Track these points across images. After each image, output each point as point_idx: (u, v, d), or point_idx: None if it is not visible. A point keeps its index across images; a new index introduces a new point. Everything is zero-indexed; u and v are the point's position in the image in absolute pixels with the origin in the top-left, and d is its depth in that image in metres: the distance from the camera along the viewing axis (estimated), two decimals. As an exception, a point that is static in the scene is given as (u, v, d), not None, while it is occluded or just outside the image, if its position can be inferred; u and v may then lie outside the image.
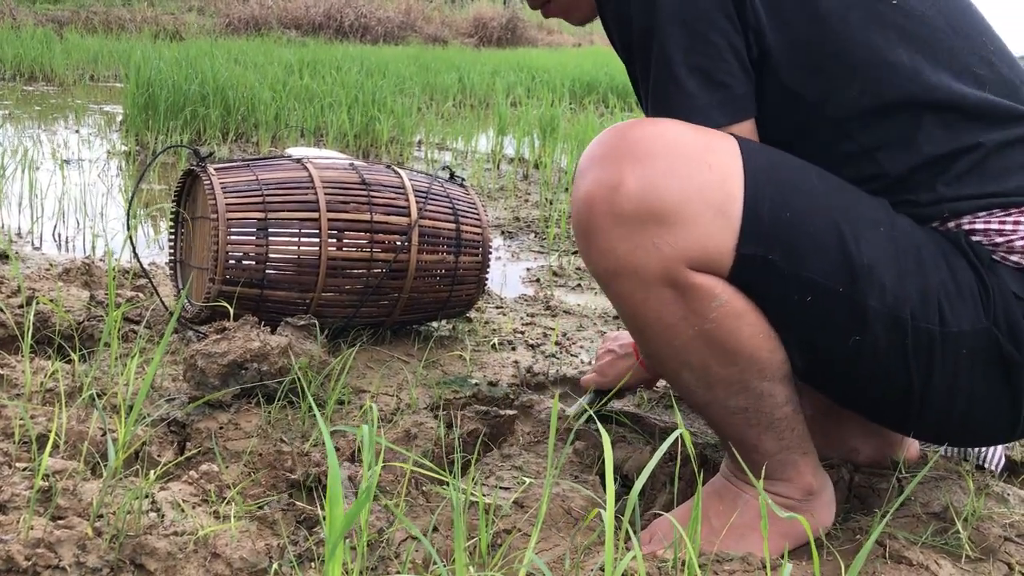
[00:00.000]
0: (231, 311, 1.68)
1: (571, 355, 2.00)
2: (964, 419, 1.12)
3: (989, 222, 1.08)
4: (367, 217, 1.83)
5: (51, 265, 2.32)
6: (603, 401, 1.56)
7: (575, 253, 3.10)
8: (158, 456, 1.28)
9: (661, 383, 1.69)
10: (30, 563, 0.91)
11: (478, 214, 1.99)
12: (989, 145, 1.09)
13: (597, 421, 0.93)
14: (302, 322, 1.62)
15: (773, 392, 1.09)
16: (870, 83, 1.08)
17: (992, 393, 1.09)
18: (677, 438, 1.11)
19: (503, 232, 3.32)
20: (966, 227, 1.08)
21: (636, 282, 1.04)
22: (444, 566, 0.82)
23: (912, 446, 1.42)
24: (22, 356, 1.52)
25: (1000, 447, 1.53)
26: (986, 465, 1.51)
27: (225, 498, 1.12)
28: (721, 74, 1.06)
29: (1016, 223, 1.07)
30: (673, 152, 1.02)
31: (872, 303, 1.03)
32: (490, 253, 1.99)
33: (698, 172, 1.01)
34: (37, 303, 1.73)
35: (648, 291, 1.04)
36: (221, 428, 1.36)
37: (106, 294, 1.96)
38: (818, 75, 1.09)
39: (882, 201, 1.09)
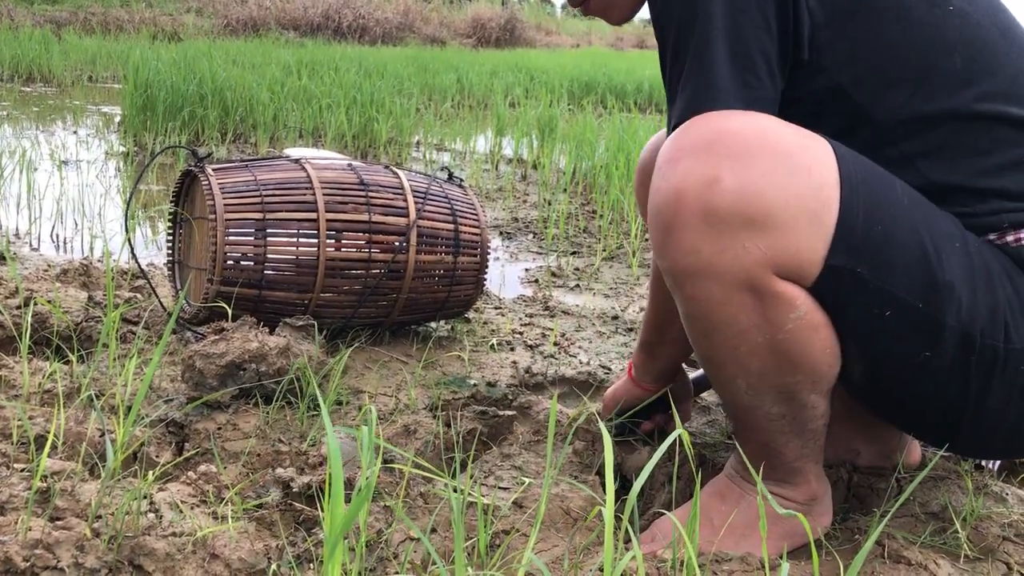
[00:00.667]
0: (229, 312, 1.67)
1: (570, 355, 2.00)
2: (1011, 435, 1.12)
3: None
4: (365, 218, 1.83)
5: (49, 266, 2.32)
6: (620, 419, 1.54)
7: (573, 254, 3.10)
8: (156, 457, 1.28)
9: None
10: (28, 564, 0.91)
11: (476, 215, 1.99)
12: None
13: (600, 421, 0.92)
14: (300, 323, 1.62)
15: (817, 404, 1.09)
16: (921, 88, 1.06)
17: None
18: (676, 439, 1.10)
19: (501, 233, 3.32)
20: None
21: (717, 285, 1.00)
22: (444, 566, 0.82)
23: (914, 451, 1.42)
24: (20, 357, 1.52)
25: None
26: (985, 465, 1.51)
27: (223, 499, 1.12)
28: (750, 76, 1.04)
29: None
30: (773, 151, 0.98)
31: (949, 320, 1.02)
32: (488, 254, 1.99)
33: (797, 176, 0.98)
34: (35, 304, 1.73)
35: (728, 294, 1.00)
36: (219, 429, 1.36)
37: (104, 295, 1.96)
38: (870, 76, 1.07)
39: (953, 217, 1.07)
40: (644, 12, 1.30)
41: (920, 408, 1.12)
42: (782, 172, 0.97)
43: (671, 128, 1.09)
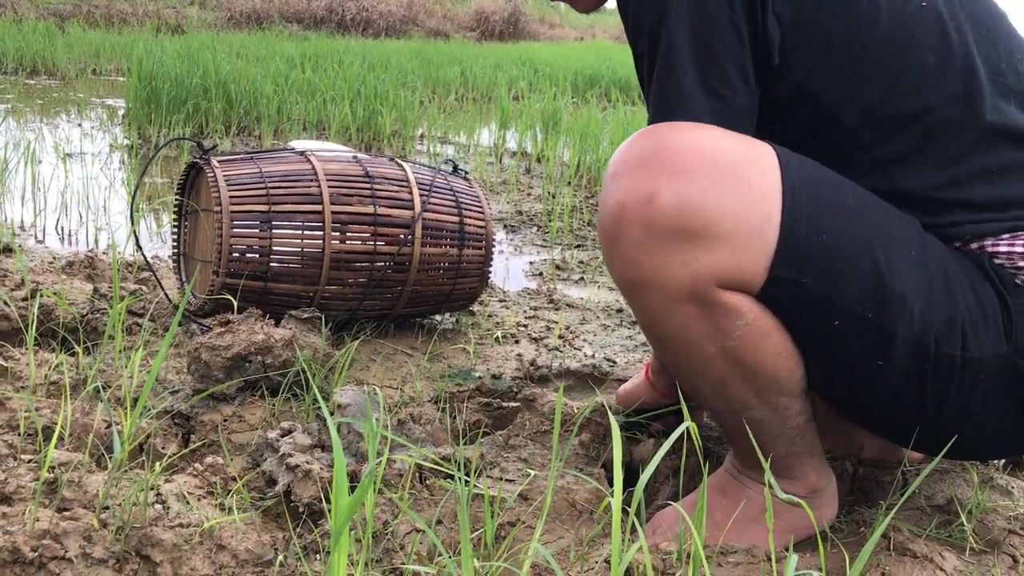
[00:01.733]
0: (235, 304, 1.68)
1: (574, 348, 2.00)
2: (974, 438, 1.11)
3: (1013, 245, 1.06)
4: (371, 210, 1.83)
5: (54, 258, 2.32)
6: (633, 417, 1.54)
7: (578, 247, 3.10)
8: (163, 448, 1.28)
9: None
10: (36, 554, 0.92)
11: (481, 207, 1.99)
12: (1013, 165, 1.06)
13: (609, 414, 0.92)
14: (306, 315, 1.62)
15: (789, 406, 1.08)
16: (894, 90, 1.05)
17: (1005, 415, 1.08)
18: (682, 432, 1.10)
19: (506, 226, 3.32)
20: (989, 249, 1.06)
21: (660, 296, 1.01)
22: (450, 558, 0.82)
23: None
24: (26, 349, 1.52)
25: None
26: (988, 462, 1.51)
27: (230, 490, 1.12)
28: (720, 84, 1.03)
29: None
30: (712, 166, 0.98)
31: (900, 331, 1.01)
32: (493, 246, 1.99)
33: (737, 190, 0.97)
34: (41, 296, 1.74)
35: (672, 306, 1.01)
36: (225, 420, 1.36)
37: (109, 287, 1.96)
38: (839, 78, 1.05)
39: (913, 220, 1.06)
40: (611, 3, 1.31)
41: (882, 414, 1.12)
42: (722, 186, 0.97)
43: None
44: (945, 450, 1.10)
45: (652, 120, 1.06)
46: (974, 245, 1.07)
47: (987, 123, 1.06)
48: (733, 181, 0.98)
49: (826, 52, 1.05)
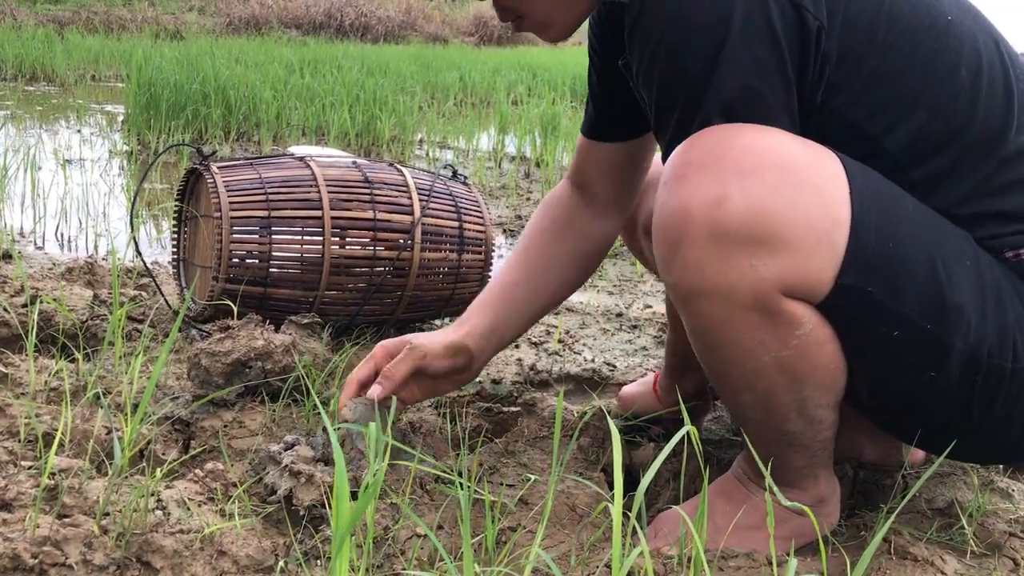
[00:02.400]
0: (235, 310, 1.68)
1: (574, 352, 2.00)
2: (1014, 445, 1.11)
3: None
4: (370, 215, 1.83)
5: (54, 264, 2.32)
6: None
7: (577, 251, 3.09)
8: (163, 455, 1.28)
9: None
10: (36, 561, 0.91)
11: (481, 212, 1.99)
12: None
13: (609, 419, 0.92)
14: (306, 320, 1.62)
15: (824, 418, 1.08)
16: (933, 111, 1.04)
17: None
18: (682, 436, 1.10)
19: (505, 230, 3.32)
20: None
21: (722, 303, 0.98)
22: (452, 563, 0.82)
23: (917, 451, 1.42)
24: (26, 355, 1.52)
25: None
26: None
27: (231, 496, 1.12)
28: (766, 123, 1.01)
29: None
30: (782, 168, 0.96)
31: (957, 342, 1.00)
32: (493, 251, 1.99)
33: (806, 194, 0.95)
34: (41, 302, 1.74)
35: (733, 313, 0.99)
36: (226, 426, 1.36)
37: (109, 293, 1.96)
38: (883, 108, 1.04)
39: (965, 233, 1.05)
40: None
41: (922, 423, 1.11)
42: (792, 190, 0.95)
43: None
44: (941, 455, 1.10)
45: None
46: (1009, 254, 1.06)
47: (1018, 132, 1.06)
48: (803, 185, 0.96)
49: (869, 83, 1.03)
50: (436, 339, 1.27)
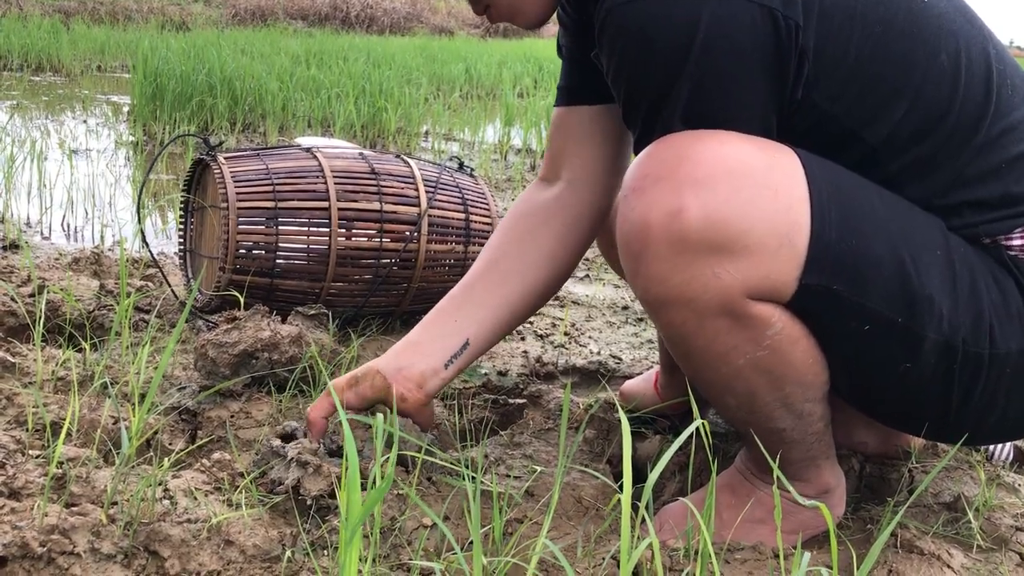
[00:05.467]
0: (242, 300, 1.68)
1: (580, 345, 2.00)
2: (995, 428, 1.11)
3: None
4: (377, 207, 1.83)
5: (60, 255, 2.33)
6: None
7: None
8: (170, 444, 1.28)
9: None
10: (45, 549, 0.92)
11: (487, 204, 1.99)
12: (1020, 159, 1.05)
13: (621, 411, 0.92)
14: (312, 311, 1.62)
15: (812, 411, 1.08)
16: (913, 103, 1.02)
17: None
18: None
19: (511, 223, 3.32)
20: (1003, 243, 1.06)
21: (690, 312, 0.99)
22: (460, 553, 0.82)
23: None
24: (33, 344, 1.52)
25: (1009, 443, 1.53)
26: (994, 460, 1.51)
27: (237, 486, 1.13)
28: (739, 124, 1.00)
29: None
30: (737, 175, 0.95)
31: (930, 333, 1.00)
32: (499, 243, 1.99)
33: (764, 198, 0.95)
34: (48, 292, 1.74)
35: (702, 320, 0.99)
36: (232, 416, 1.36)
37: (115, 283, 1.97)
38: (861, 99, 1.02)
39: (936, 220, 1.05)
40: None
41: (905, 411, 1.11)
42: (748, 195, 0.95)
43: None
44: (931, 438, 1.10)
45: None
46: (987, 241, 1.06)
47: (996, 119, 1.05)
48: (759, 189, 0.96)
49: (848, 75, 1.02)
50: (407, 401, 1.23)
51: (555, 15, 1.31)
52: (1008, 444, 1.52)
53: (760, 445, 1.08)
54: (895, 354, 1.02)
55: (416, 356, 1.25)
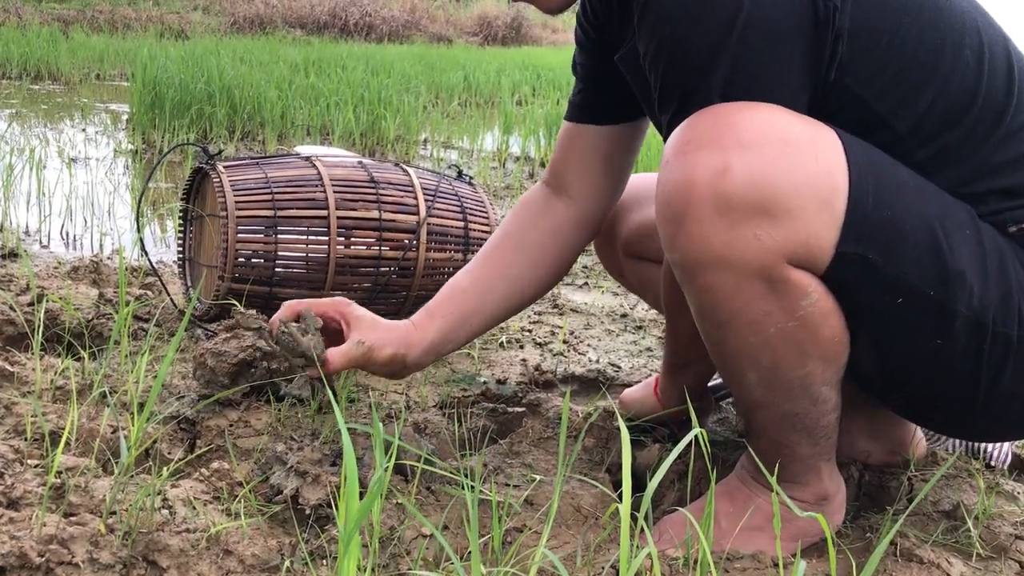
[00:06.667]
0: (241, 309, 1.68)
1: (579, 353, 2.00)
2: (1020, 419, 1.12)
3: None
4: (376, 215, 1.83)
5: (59, 263, 2.33)
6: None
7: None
8: (169, 454, 1.28)
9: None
10: (43, 559, 0.92)
11: (486, 212, 1.99)
12: None
13: (620, 420, 0.92)
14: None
15: (828, 398, 1.08)
16: (941, 91, 1.05)
17: None
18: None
19: (509, 230, 3.32)
20: None
21: (729, 274, 1.00)
22: (459, 563, 0.82)
23: (919, 445, 1.42)
24: (32, 353, 1.52)
25: (1008, 446, 1.53)
26: (993, 463, 1.51)
27: (236, 496, 1.12)
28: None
29: None
30: (781, 139, 0.97)
31: (961, 308, 1.01)
32: (498, 251, 1.99)
33: (806, 163, 0.97)
34: (47, 301, 1.74)
35: (740, 284, 1.00)
36: (231, 426, 1.36)
37: (114, 292, 1.97)
38: (892, 84, 1.04)
39: (965, 206, 1.06)
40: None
41: (931, 395, 1.11)
42: (791, 159, 0.97)
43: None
44: (949, 434, 1.10)
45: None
46: (1013, 228, 1.07)
47: (1018, 113, 1.07)
48: (802, 155, 0.97)
49: (881, 59, 1.04)
50: (383, 345, 1.26)
51: (574, 35, 1.38)
52: (1007, 448, 1.52)
53: (754, 447, 1.08)
54: (927, 329, 1.03)
55: (391, 333, 1.30)
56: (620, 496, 0.87)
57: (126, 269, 2.25)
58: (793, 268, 0.99)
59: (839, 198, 0.98)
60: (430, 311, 1.34)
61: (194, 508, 1.07)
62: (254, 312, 1.47)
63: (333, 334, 1.28)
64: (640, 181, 1.50)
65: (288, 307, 1.27)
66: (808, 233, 0.98)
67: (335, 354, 1.23)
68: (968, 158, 1.07)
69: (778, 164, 0.96)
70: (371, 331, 1.27)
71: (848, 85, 1.04)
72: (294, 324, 1.24)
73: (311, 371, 1.23)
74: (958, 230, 1.03)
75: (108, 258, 2.46)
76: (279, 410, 1.41)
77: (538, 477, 1.27)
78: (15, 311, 1.68)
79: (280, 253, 1.76)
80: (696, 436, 0.92)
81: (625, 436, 0.87)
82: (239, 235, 1.73)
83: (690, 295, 1.07)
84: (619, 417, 0.99)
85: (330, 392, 0.98)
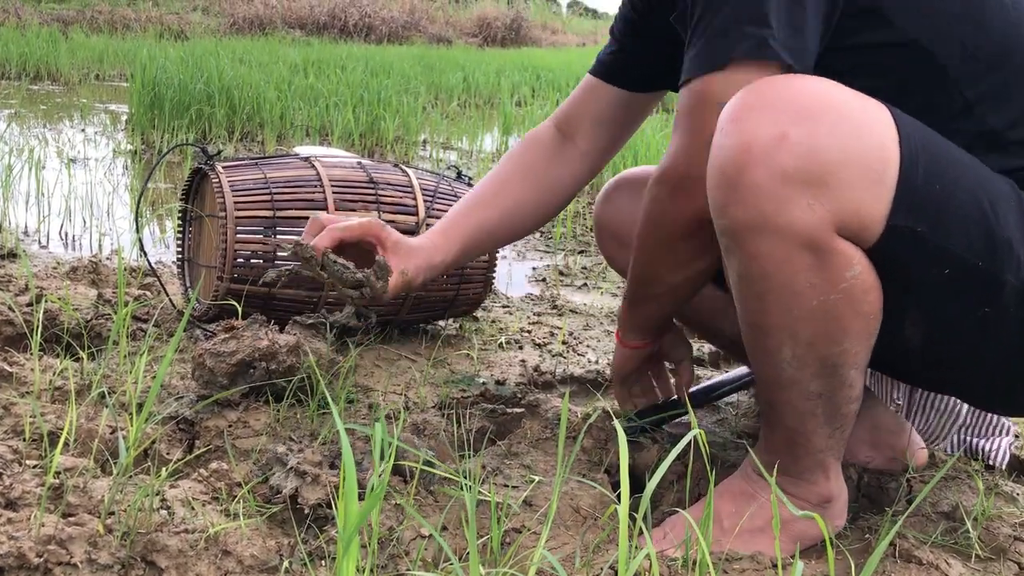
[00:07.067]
0: (239, 310, 1.68)
1: (578, 354, 2.00)
2: None
3: None
4: (375, 216, 1.83)
5: (58, 263, 2.33)
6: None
7: (581, 252, 3.10)
8: (167, 454, 1.28)
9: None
10: (42, 560, 0.92)
11: (485, 213, 1.99)
12: None
13: (615, 420, 0.92)
14: (310, 320, 1.62)
15: (855, 382, 1.09)
16: (978, 24, 1.08)
17: None
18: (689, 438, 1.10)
19: (509, 231, 3.32)
20: None
21: (778, 241, 1.00)
22: (458, 564, 0.82)
23: (920, 453, 1.41)
24: (31, 354, 1.52)
25: (1006, 445, 1.53)
26: (992, 463, 1.51)
27: (235, 496, 1.12)
28: (803, 25, 1.05)
29: None
30: (836, 111, 0.99)
31: (1009, 277, 1.03)
32: (497, 252, 1.99)
33: (860, 135, 0.99)
34: (45, 301, 1.74)
35: (789, 253, 1.00)
36: (230, 426, 1.36)
37: (113, 292, 1.97)
38: (934, 16, 1.07)
39: (1007, 179, 1.08)
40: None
41: (975, 368, 1.12)
42: (845, 131, 0.98)
43: (712, 63, 1.09)
44: (990, 409, 1.11)
45: (708, 55, 1.08)
46: None
47: None
48: (857, 126, 0.99)
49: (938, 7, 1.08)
50: (417, 273, 1.33)
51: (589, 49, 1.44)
52: (1006, 447, 1.52)
53: (785, 422, 1.09)
54: (975, 299, 1.04)
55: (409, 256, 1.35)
56: (619, 497, 0.87)
57: (125, 269, 2.25)
58: (841, 239, 1.00)
59: (890, 170, 0.99)
60: (447, 233, 1.41)
61: (193, 508, 1.07)
62: (305, 244, 1.35)
63: (365, 253, 1.32)
64: (637, 172, 1.56)
65: (328, 233, 1.27)
66: (860, 204, 0.99)
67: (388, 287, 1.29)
68: (1016, 99, 1.09)
69: (834, 134, 0.98)
70: (408, 259, 1.32)
71: (888, 15, 1.08)
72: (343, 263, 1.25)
73: (361, 301, 1.26)
74: (1004, 200, 1.04)
75: (107, 258, 2.46)
76: (278, 411, 1.40)
77: (537, 478, 1.27)
78: (14, 311, 1.68)
79: (279, 253, 1.76)
80: (695, 437, 0.92)
81: (622, 437, 0.87)
82: (238, 235, 1.73)
83: (737, 263, 1.06)
84: (612, 418, 0.99)
85: (325, 397, 0.97)
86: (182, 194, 1.94)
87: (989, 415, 1.53)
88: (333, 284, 1.25)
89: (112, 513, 1.02)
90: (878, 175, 0.99)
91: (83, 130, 5.01)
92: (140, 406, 1.32)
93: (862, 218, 0.99)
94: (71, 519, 0.99)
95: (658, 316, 1.38)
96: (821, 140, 0.97)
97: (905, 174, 0.99)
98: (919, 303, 1.06)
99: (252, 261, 1.75)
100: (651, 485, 0.84)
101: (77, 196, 3.18)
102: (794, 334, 1.05)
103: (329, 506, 1.09)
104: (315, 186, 1.81)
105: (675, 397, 1.49)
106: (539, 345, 2.04)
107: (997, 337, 1.07)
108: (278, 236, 1.76)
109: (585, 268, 2.88)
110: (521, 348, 2.01)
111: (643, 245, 1.25)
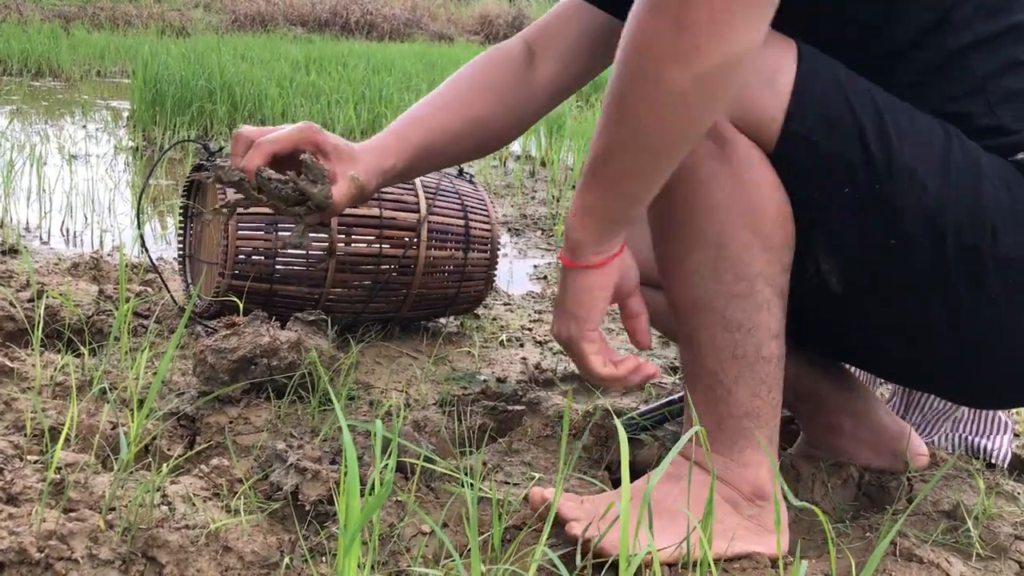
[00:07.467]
0: (241, 306, 1.68)
1: (579, 352, 2.00)
2: (1005, 364, 1.09)
3: None
4: (376, 212, 1.83)
5: (59, 260, 2.33)
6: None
7: (582, 250, 3.09)
8: (168, 450, 1.28)
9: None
10: (43, 555, 0.92)
11: (487, 211, 1.99)
12: None
13: (614, 416, 0.92)
14: (312, 317, 1.62)
15: (771, 306, 1.05)
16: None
17: None
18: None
19: (510, 229, 3.32)
20: None
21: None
22: (460, 560, 0.82)
23: (921, 455, 1.40)
24: (32, 349, 1.52)
25: (1007, 443, 1.53)
26: (993, 460, 1.51)
27: (236, 492, 1.12)
28: None
29: None
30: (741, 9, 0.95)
31: (909, 202, 1.01)
32: (499, 250, 1.99)
33: (757, 36, 0.95)
34: (47, 297, 1.74)
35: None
36: (231, 423, 1.36)
37: (114, 288, 1.97)
38: None
39: (941, 121, 1.05)
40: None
41: (902, 321, 1.09)
42: (748, 29, 0.93)
43: None
44: (949, 398, 1.07)
45: None
46: (1020, 155, 1.05)
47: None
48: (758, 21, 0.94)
49: None
50: (369, 177, 1.23)
51: None
52: (1007, 447, 1.52)
53: (704, 372, 1.07)
54: (876, 223, 1.03)
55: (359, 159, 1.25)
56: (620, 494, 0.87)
57: (126, 266, 2.25)
58: (739, 132, 1.02)
59: (784, 77, 1.00)
60: (402, 134, 1.29)
61: (193, 505, 1.07)
62: (228, 166, 1.21)
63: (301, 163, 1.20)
64: None
65: (257, 149, 1.15)
66: (751, 99, 1.00)
67: (335, 196, 1.18)
68: (967, 78, 1.06)
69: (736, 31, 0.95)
70: (353, 163, 1.21)
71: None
72: (294, 173, 1.14)
73: (311, 218, 1.17)
74: (917, 135, 1.02)
75: (108, 255, 2.46)
76: (279, 407, 1.41)
77: (538, 475, 1.27)
78: (15, 307, 1.68)
79: (280, 250, 1.76)
80: (696, 433, 0.92)
81: (622, 434, 0.87)
82: (239, 232, 1.73)
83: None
84: (612, 416, 0.98)
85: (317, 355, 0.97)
86: (183, 190, 1.94)
87: (989, 413, 1.53)
88: (275, 206, 1.13)
89: (113, 509, 1.02)
90: (770, 79, 1.00)
91: (84, 126, 5.01)
92: (141, 402, 1.32)
93: (756, 116, 1.01)
94: (72, 514, 0.99)
95: (632, 205, 1.06)
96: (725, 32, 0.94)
97: (801, 81, 1.00)
98: (824, 228, 1.05)
99: (254, 257, 1.75)
100: (652, 482, 0.84)
101: (78, 192, 3.18)
102: (701, 233, 1.04)
103: (330, 502, 1.09)
104: (317, 183, 1.81)
105: (676, 396, 1.49)
106: (540, 343, 2.04)
107: (912, 280, 1.04)
108: (280, 233, 1.76)
109: (586, 266, 2.87)
110: (522, 346, 2.01)
111: (630, 103, 1.02)
